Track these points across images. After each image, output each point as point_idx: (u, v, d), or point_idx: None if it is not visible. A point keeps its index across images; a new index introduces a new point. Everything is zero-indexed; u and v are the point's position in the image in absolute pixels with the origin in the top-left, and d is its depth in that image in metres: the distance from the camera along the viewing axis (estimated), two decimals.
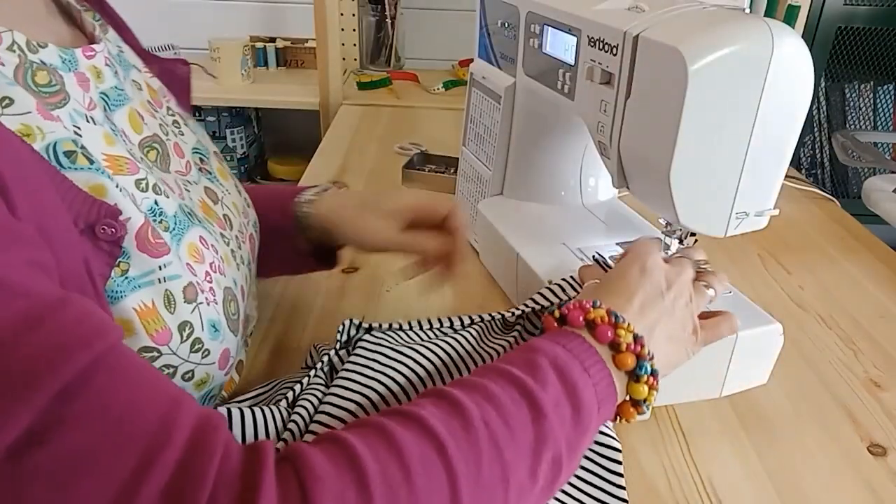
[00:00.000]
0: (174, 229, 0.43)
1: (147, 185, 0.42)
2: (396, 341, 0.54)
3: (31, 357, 0.28)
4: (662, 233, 0.61)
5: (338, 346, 0.55)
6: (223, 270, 0.47)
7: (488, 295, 0.75)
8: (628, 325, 0.44)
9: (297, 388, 0.51)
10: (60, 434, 0.28)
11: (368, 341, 0.53)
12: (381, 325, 0.56)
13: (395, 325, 0.56)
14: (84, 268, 0.34)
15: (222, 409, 0.46)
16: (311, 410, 0.47)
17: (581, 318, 0.45)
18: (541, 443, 0.37)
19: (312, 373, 0.52)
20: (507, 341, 0.55)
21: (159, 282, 0.40)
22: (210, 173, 0.54)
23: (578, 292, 0.56)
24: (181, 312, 0.41)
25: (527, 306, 0.57)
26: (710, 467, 0.54)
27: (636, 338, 0.44)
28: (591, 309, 0.45)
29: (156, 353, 0.40)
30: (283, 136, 1.98)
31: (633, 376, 0.43)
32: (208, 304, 0.44)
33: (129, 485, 0.28)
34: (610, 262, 0.61)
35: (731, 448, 0.56)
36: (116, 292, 0.38)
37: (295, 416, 0.46)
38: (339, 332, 0.56)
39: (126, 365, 0.31)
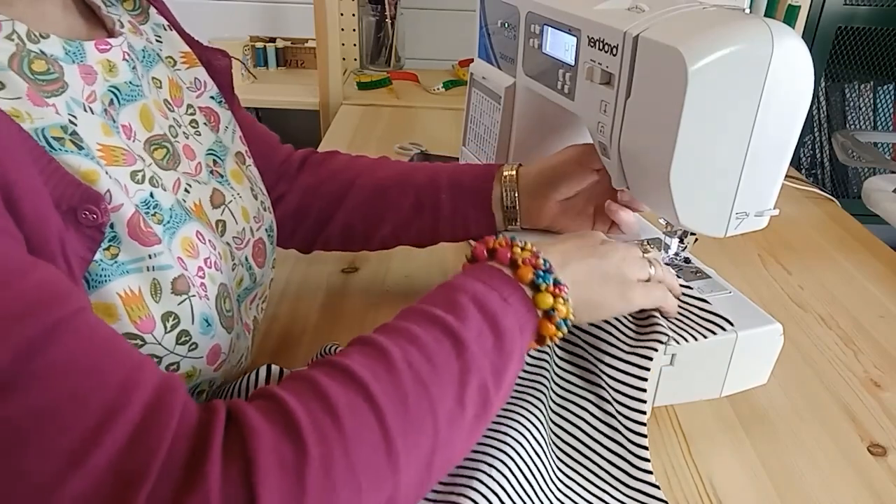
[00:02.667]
0: (168, 222, 0.44)
1: (143, 177, 0.43)
2: None
3: None
4: (663, 233, 0.61)
5: None
6: (220, 267, 0.48)
7: None
8: (526, 244, 0.47)
9: None
10: (24, 389, 0.29)
11: None
12: None
13: None
14: (59, 247, 0.35)
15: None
16: None
17: (483, 250, 0.48)
18: (465, 373, 0.40)
19: None
20: None
21: (147, 270, 0.41)
22: (222, 176, 0.54)
23: None
24: (167, 303, 0.41)
25: None
26: (710, 467, 0.54)
27: (533, 253, 0.46)
28: (492, 240, 0.48)
29: (140, 342, 0.40)
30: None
31: (535, 287, 0.45)
32: (200, 299, 0.44)
33: (88, 440, 0.29)
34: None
35: (731, 448, 0.56)
36: (102, 276, 0.38)
37: None
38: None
39: (91, 329, 0.32)
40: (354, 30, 1.70)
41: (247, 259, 0.54)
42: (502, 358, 0.43)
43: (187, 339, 0.43)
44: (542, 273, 0.45)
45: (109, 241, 0.39)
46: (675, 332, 0.53)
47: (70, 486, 0.29)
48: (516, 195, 0.65)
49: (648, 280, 0.52)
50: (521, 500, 0.46)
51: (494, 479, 0.45)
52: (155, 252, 0.41)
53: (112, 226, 0.39)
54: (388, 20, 1.67)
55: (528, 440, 0.49)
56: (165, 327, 0.41)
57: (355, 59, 1.73)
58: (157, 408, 0.31)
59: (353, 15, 1.68)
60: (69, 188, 0.36)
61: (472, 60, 0.82)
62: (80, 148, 0.38)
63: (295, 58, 1.77)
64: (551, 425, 0.52)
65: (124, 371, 0.32)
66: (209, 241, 0.47)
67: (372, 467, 0.35)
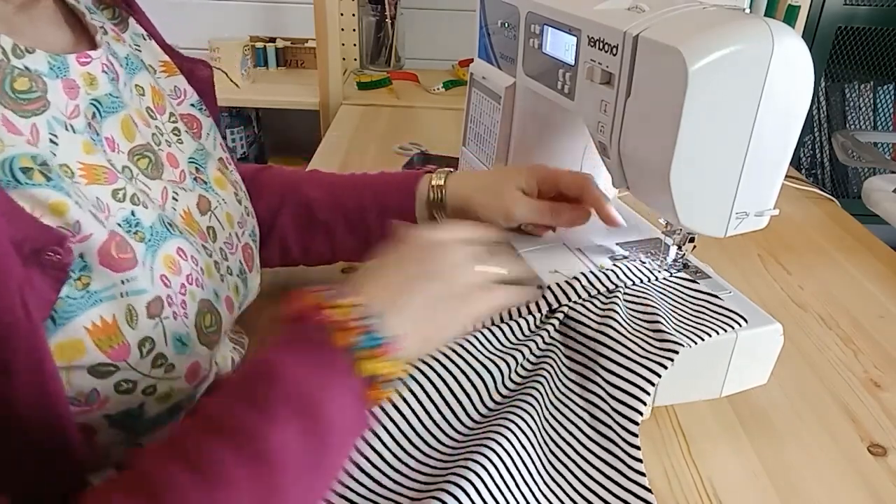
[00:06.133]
0: (150, 240, 0.43)
1: (125, 195, 0.43)
2: None
3: None
4: (662, 233, 0.61)
5: None
6: (201, 283, 0.47)
7: None
8: (348, 299, 0.40)
9: None
10: None
11: None
12: None
13: None
14: (17, 292, 0.33)
15: None
16: None
17: (304, 308, 0.40)
18: (279, 492, 0.34)
19: None
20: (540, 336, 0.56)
21: (121, 296, 0.40)
22: (206, 183, 0.54)
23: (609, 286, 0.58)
24: (143, 327, 0.41)
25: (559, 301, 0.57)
26: (710, 467, 0.54)
27: (354, 311, 0.39)
28: (312, 294, 0.41)
29: (112, 369, 0.39)
30: (283, 137, 1.97)
31: (355, 353, 0.38)
32: (175, 318, 0.43)
33: None
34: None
35: (731, 448, 0.56)
36: (69, 311, 0.38)
37: None
38: None
39: None
40: (354, 30, 1.70)
41: (240, 263, 0.54)
42: (323, 449, 0.36)
43: (163, 361, 0.42)
44: (363, 337, 0.38)
45: (80, 270, 0.38)
46: (689, 331, 0.53)
47: None
48: (442, 209, 0.64)
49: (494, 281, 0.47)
50: (503, 499, 0.46)
51: (479, 476, 0.45)
52: (128, 277, 0.40)
53: (82, 255, 0.38)
54: (388, 20, 1.67)
55: (518, 440, 0.49)
56: (141, 353, 0.41)
57: (355, 59, 1.73)
58: None
59: (353, 15, 1.68)
60: (32, 230, 0.35)
61: (472, 60, 0.82)
62: (49, 179, 0.38)
63: (295, 58, 1.77)
64: (545, 425, 0.52)
65: None
66: (191, 256, 0.47)
67: None
